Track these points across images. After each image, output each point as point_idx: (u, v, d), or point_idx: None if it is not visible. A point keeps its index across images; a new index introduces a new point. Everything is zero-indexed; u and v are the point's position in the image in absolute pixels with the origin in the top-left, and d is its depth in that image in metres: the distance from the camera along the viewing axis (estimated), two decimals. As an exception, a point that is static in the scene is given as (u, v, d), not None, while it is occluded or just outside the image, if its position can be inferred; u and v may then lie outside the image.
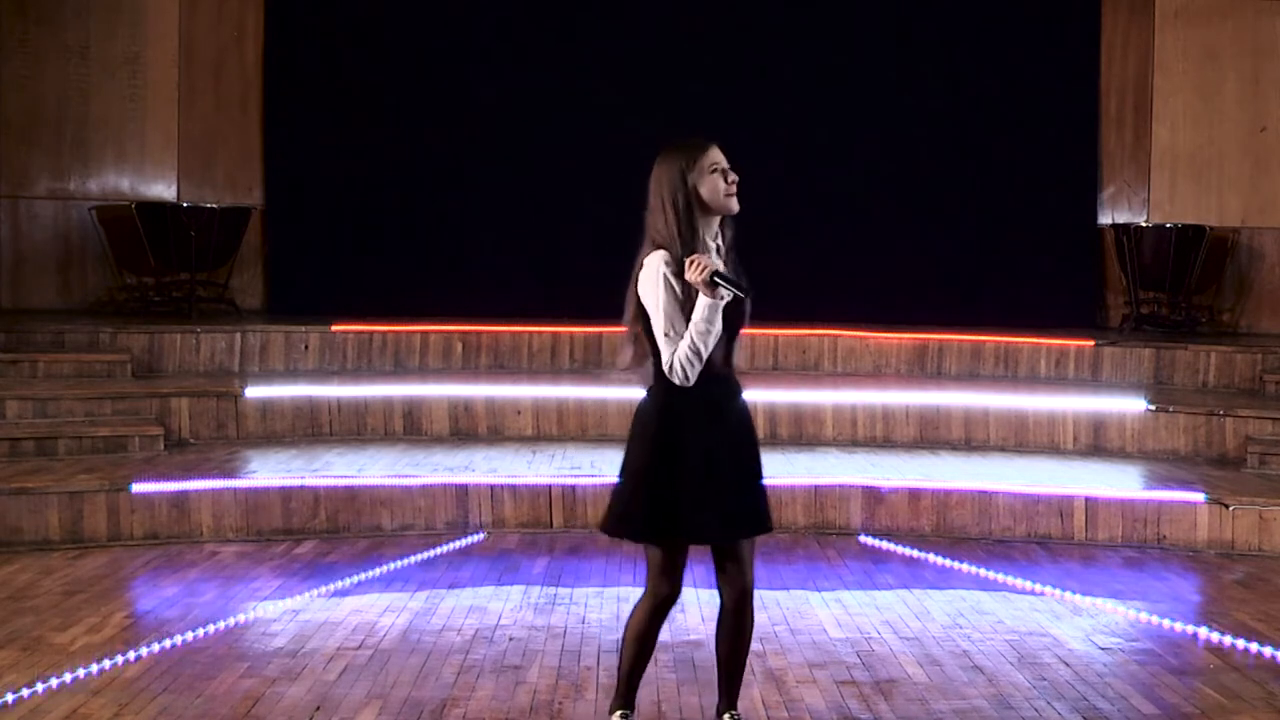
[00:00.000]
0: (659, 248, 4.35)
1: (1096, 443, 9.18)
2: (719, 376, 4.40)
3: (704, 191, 4.35)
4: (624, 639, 4.61)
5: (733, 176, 4.37)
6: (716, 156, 4.38)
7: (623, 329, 4.50)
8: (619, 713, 4.63)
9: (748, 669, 5.56)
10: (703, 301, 4.23)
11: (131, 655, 5.62)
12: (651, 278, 4.32)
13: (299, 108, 11.13)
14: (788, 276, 10.31)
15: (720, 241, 4.46)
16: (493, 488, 8.06)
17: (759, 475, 4.55)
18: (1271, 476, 8.46)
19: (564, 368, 10.06)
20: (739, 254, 4.51)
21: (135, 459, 8.20)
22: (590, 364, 10.09)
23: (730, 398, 4.48)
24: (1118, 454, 9.11)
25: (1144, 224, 11.03)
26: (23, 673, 5.37)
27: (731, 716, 4.68)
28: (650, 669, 5.56)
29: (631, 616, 4.58)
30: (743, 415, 4.53)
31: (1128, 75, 11.40)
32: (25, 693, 5.15)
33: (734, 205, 4.39)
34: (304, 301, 10.77)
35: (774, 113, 11.12)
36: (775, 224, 10.44)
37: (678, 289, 4.29)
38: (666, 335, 4.30)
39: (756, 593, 6.63)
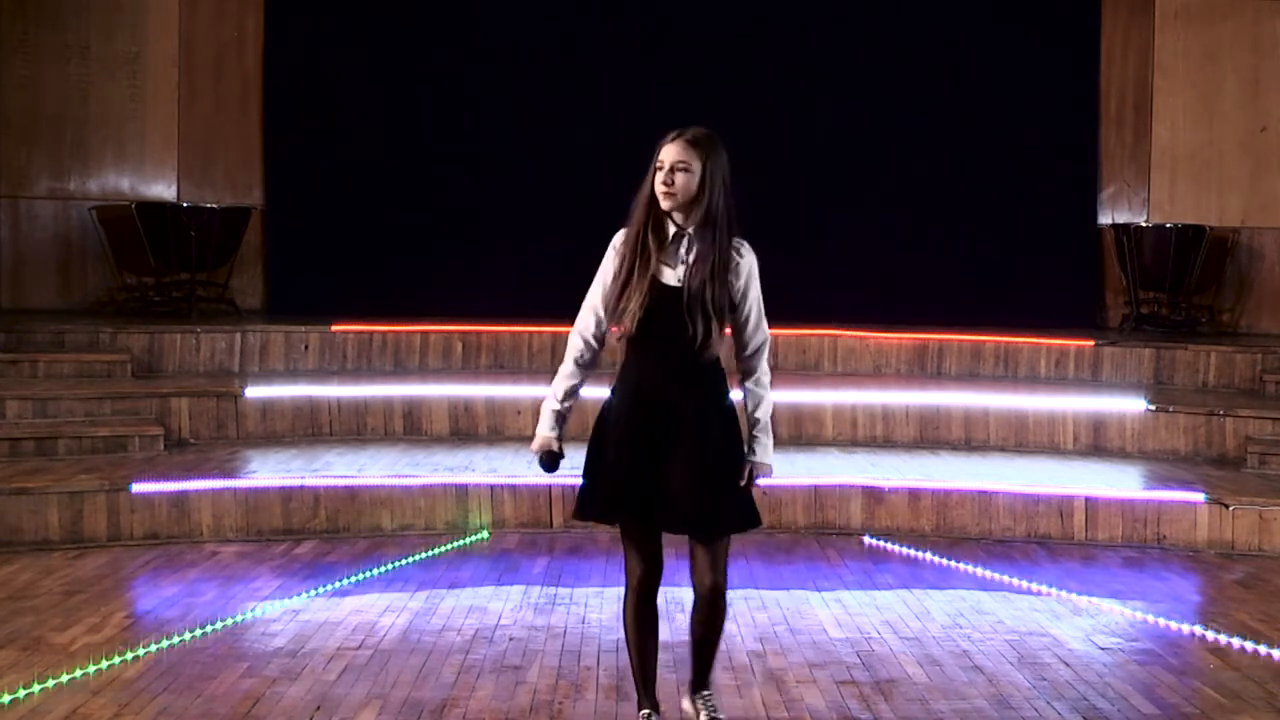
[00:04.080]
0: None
1: (1096, 443, 9.18)
2: (658, 371, 4.46)
3: (654, 184, 4.45)
4: (624, 633, 4.70)
5: (663, 177, 4.40)
6: (663, 154, 4.43)
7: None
8: (643, 713, 4.67)
9: (747, 669, 5.58)
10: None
11: (131, 655, 5.62)
12: (608, 249, 4.57)
13: (299, 107, 11.13)
14: (787, 276, 10.24)
15: (692, 231, 4.44)
16: (493, 488, 8.06)
17: (717, 477, 4.48)
18: (1271, 476, 8.46)
19: (564, 368, 10.04)
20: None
21: (135, 459, 8.20)
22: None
23: (659, 382, 4.47)
24: (1118, 454, 9.11)
25: (1144, 224, 11.03)
26: (23, 673, 5.37)
27: (704, 698, 4.75)
28: (650, 669, 5.57)
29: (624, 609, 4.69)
30: (681, 404, 4.46)
31: (1128, 75, 11.40)
32: (25, 693, 5.15)
33: (662, 202, 4.42)
34: (304, 301, 10.77)
35: (773, 113, 11.12)
36: (774, 224, 10.43)
37: (612, 265, 4.51)
38: (587, 298, 4.58)
39: (756, 593, 6.67)
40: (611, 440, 4.52)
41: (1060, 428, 9.24)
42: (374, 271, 10.96)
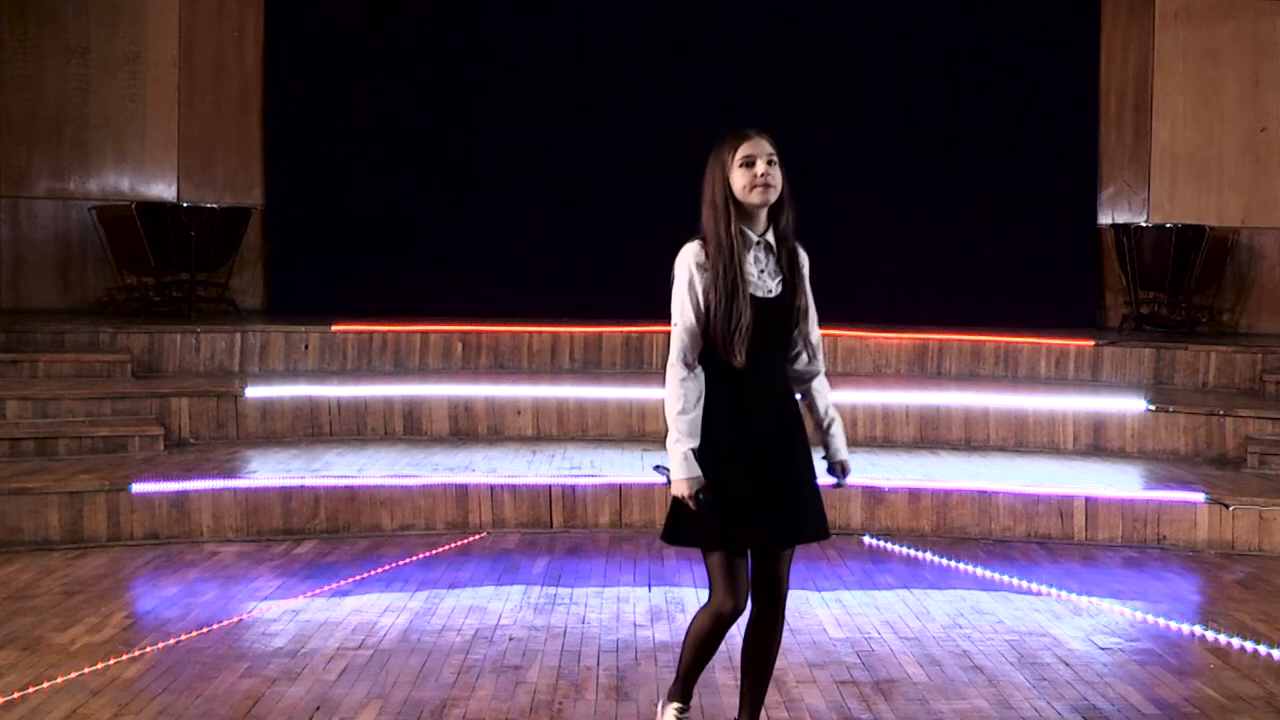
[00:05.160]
0: (700, 238, 4.31)
1: (1096, 443, 9.18)
2: (747, 376, 4.24)
3: (734, 184, 4.27)
4: (685, 637, 4.52)
5: (761, 170, 4.23)
6: (749, 149, 4.25)
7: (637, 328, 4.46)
8: (675, 705, 4.57)
9: (748, 669, 5.56)
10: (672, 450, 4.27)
11: (131, 655, 5.62)
12: (678, 266, 4.30)
13: (299, 108, 11.13)
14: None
15: (770, 237, 4.33)
16: (493, 488, 8.06)
17: (802, 482, 4.36)
18: (1271, 476, 8.46)
19: (564, 368, 10.06)
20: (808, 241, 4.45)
21: (135, 459, 8.20)
22: (590, 364, 10.09)
23: (762, 398, 4.30)
24: (1118, 454, 9.11)
25: (1144, 224, 11.02)
26: (23, 673, 5.37)
27: None
28: (650, 669, 5.59)
29: (694, 618, 4.48)
30: (781, 417, 4.34)
31: (1128, 75, 11.40)
32: (25, 693, 5.15)
33: (754, 198, 4.24)
34: (304, 301, 10.78)
35: (771, 113, 11.10)
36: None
37: (698, 283, 4.24)
38: (675, 324, 4.29)
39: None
40: (730, 468, 4.26)
41: (1060, 428, 9.24)
42: (374, 271, 10.97)
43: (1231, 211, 11.22)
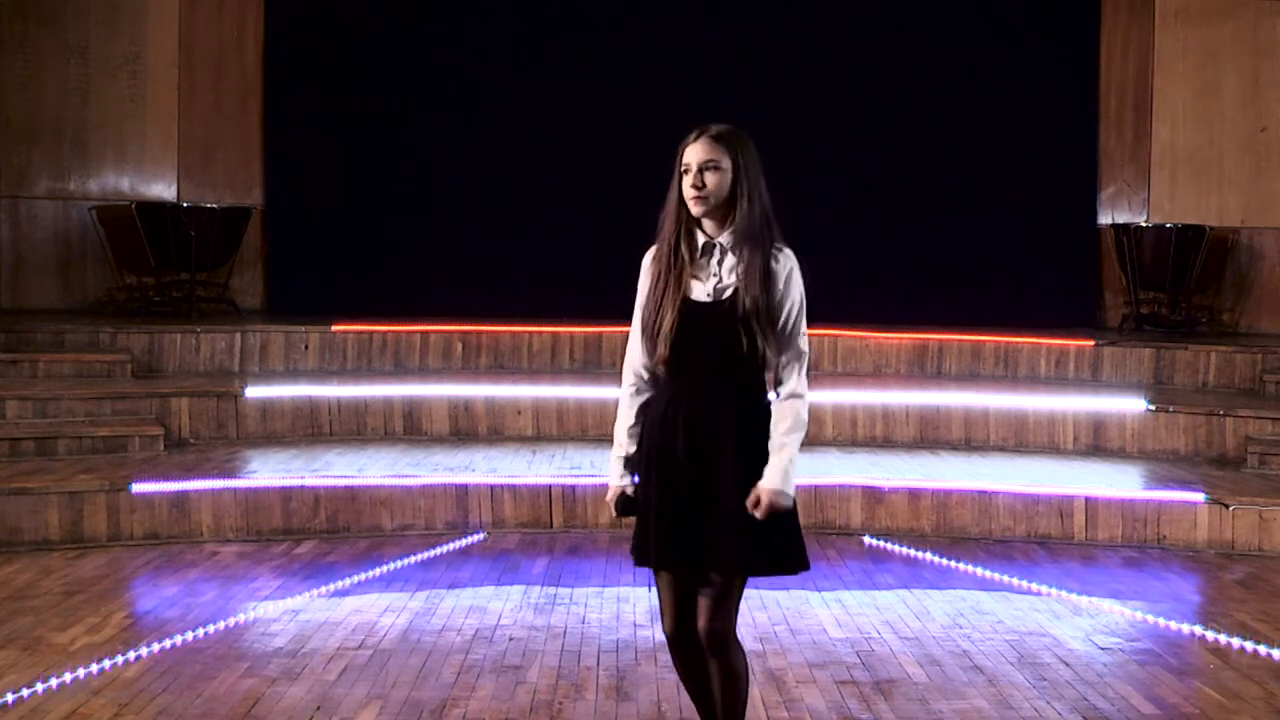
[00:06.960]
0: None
1: (1096, 443, 9.18)
2: (676, 382, 4.06)
3: (682, 190, 4.11)
4: None
5: (691, 182, 4.01)
6: (686, 156, 4.05)
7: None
8: None
9: (748, 669, 5.55)
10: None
11: (131, 655, 5.62)
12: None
13: (299, 108, 11.13)
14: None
15: (723, 239, 4.05)
16: (493, 488, 8.06)
17: (729, 507, 4.02)
18: (1271, 476, 8.46)
19: (564, 368, 10.06)
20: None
21: (135, 459, 8.20)
22: (590, 364, 10.09)
23: (694, 408, 4.03)
24: (1118, 454, 9.11)
25: (1144, 224, 11.02)
26: (23, 673, 5.37)
27: None
28: (650, 669, 5.59)
29: None
30: (720, 432, 4.03)
31: (1128, 75, 11.40)
32: (25, 693, 5.15)
33: (691, 207, 4.02)
34: (304, 301, 10.78)
35: (775, 113, 11.11)
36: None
37: (646, 284, 4.12)
38: (631, 332, 4.18)
39: (756, 593, 6.65)
40: (649, 479, 4.12)
41: (1060, 428, 9.24)
42: (374, 271, 10.97)
43: (1231, 211, 11.22)
